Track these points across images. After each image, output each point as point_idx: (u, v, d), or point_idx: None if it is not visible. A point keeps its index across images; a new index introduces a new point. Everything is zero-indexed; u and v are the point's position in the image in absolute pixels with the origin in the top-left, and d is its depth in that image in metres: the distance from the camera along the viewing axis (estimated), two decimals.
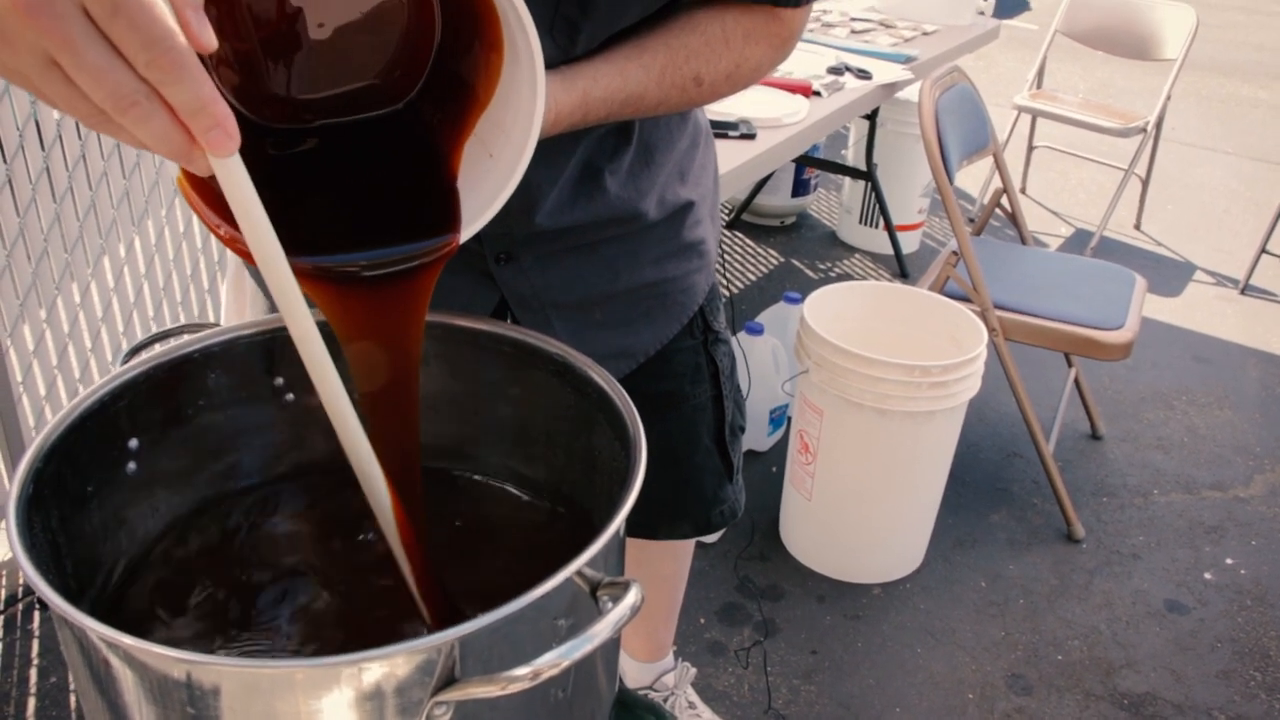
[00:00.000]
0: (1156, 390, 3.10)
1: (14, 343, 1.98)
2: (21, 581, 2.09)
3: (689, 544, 1.61)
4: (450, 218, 0.73)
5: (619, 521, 0.63)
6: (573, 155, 1.00)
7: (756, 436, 2.64)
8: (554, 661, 0.54)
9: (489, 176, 0.73)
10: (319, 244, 0.70)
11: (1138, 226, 4.24)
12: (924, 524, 2.29)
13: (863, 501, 2.18)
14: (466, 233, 0.73)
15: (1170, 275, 3.86)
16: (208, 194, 0.65)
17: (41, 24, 0.46)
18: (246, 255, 0.65)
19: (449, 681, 0.56)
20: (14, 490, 0.65)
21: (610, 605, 0.60)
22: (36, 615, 2.01)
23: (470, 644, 0.56)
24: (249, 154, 0.63)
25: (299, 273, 0.64)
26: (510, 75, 0.71)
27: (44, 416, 2.13)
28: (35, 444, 0.68)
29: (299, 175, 0.75)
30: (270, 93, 0.74)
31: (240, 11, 0.71)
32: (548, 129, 0.85)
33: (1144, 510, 2.56)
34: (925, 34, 3.23)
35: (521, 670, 0.54)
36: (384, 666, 0.55)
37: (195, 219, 2.35)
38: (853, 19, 3.31)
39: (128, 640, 0.55)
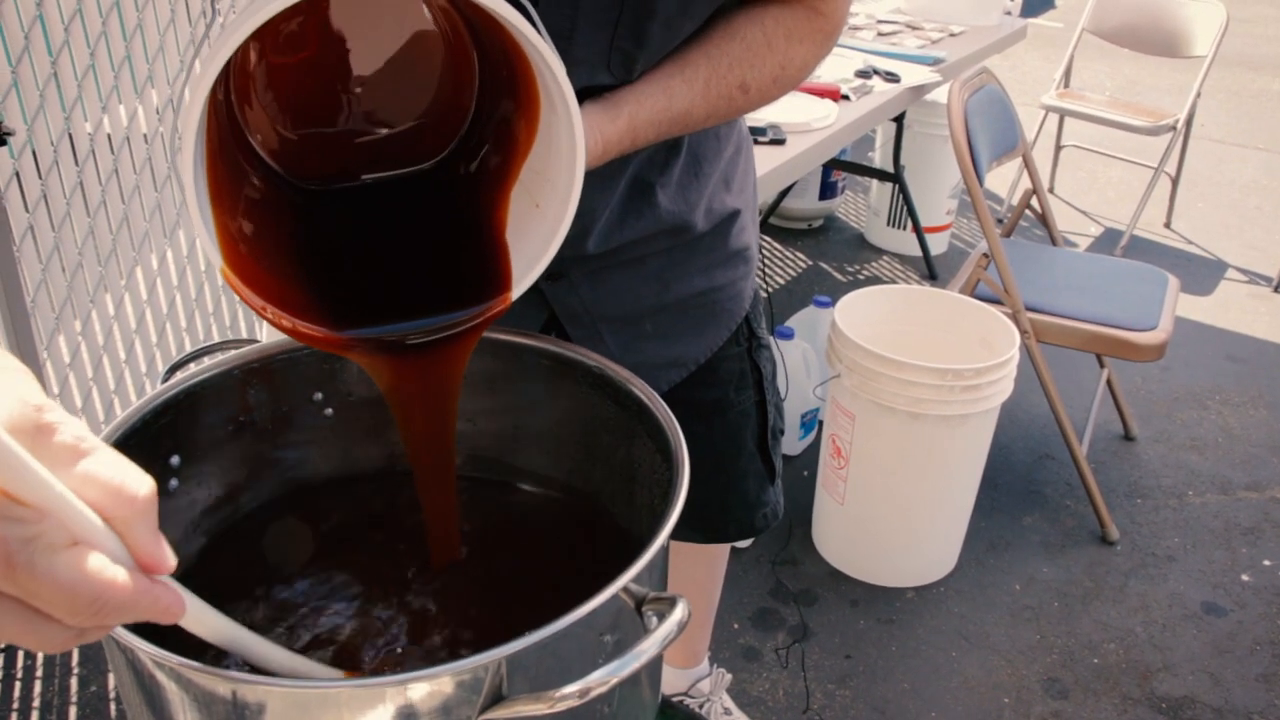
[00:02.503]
0: (1190, 390, 3.07)
1: (50, 355, 2.00)
2: None
3: (724, 551, 1.61)
4: (501, 276, 0.73)
5: (664, 536, 0.63)
6: (623, 174, 1.00)
7: (788, 441, 2.63)
8: (603, 679, 0.54)
9: (537, 227, 0.73)
10: (368, 314, 0.71)
11: (1168, 225, 4.20)
12: (957, 527, 2.27)
13: (895, 505, 2.17)
14: (518, 290, 0.73)
15: (1202, 274, 3.82)
16: (252, 278, 0.66)
17: None
18: (292, 333, 0.68)
19: (496, 699, 0.56)
20: None
21: (655, 620, 0.60)
22: None
23: (517, 662, 0.56)
24: (295, 220, 0.64)
25: (348, 347, 0.67)
26: (548, 124, 0.71)
27: None
28: None
29: (347, 242, 0.76)
30: (314, 147, 0.75)
31: (287, 70, 0.73)
32: (597, 160, 0.84)
33: (1179, 512, 2.54)
34: (952, 35, 3.21)
35: (570, 688, 0.54)
36: (431, 686, 0.55)
37: None
38: (879, 21, 3.29)
39: (176, 659, 0.56)
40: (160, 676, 0.59)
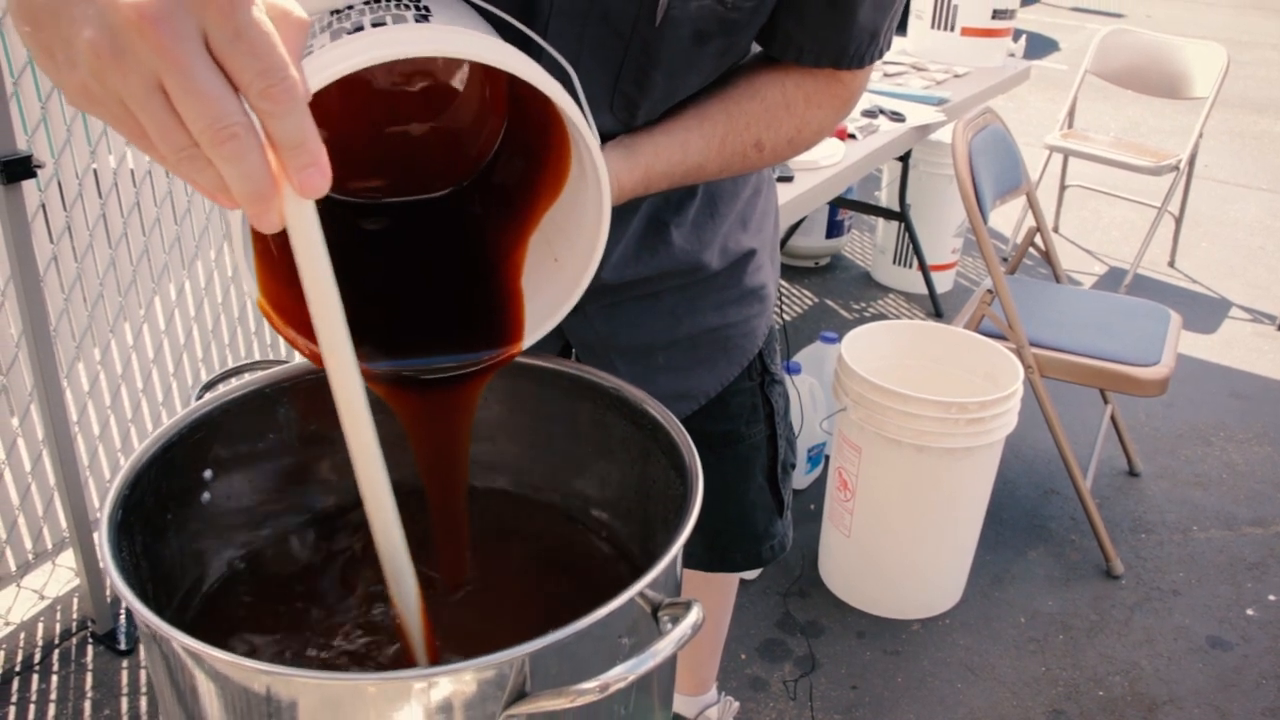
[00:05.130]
0: (1194, 427, 3.10)
1: (70, 383, 2.04)
2: (75, 616, 2.14)
3: (734, 580, 1.63)
4: (513, 323, 0.77)
5: (679, 544, 0.66)
6: (638, 212, 1.02)
7: (795, 474, 2.65)
8: (622, 675, 0.57)
9: (553, 281, 0.76)
10: (386, 346, 0.75)
11: (1172, 264, 4.24)
12: (962, 560, 2.29)
13: (901, 537, 2.19)
14: (527, 341, 0.76)
15: (1206, 312, 3.86)
16: (289, 313, 0.68)
17: (161, 41, 0.45)
18: (314, 359, 0.69)
19: (520, 696, 0.59)
20: (104, 515, 0.69)
21: (670, 625, 0.62)
22: (90, 649, 2.05)
23: (540, 659, 0.58)
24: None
25: (365, 377, 0.68)
26: (576, 189, 0.74)
27: (98, 456, 2.19)
28: (123, 472, 0.72)
29: (368, 277, 0.78)
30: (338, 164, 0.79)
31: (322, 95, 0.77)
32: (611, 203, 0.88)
33: (1183, 546, 2.55)
34: (957, 76, 3.27)
35: (590, 684, 0.57)
36: (459, 681, 0.58)
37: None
38: (885, 62, 3.35)
39: (213, 652, 0.58)
40: (191, 666, 0.61)
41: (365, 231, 0.82)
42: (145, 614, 0.60)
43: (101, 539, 0.66)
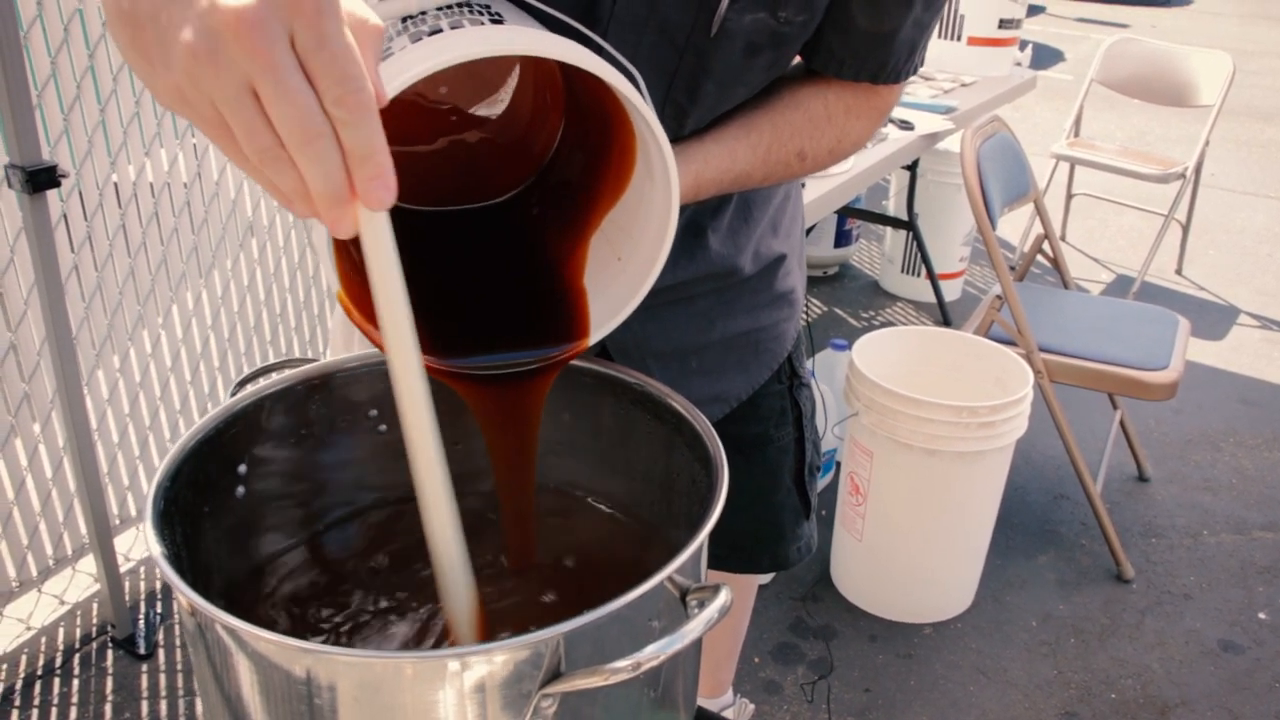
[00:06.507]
0: (1203, 433, 3.11)
1: (90, 390, 2.06)
2: (95, 621, 2.16)
3: (754, 584, 1.64)
4: (577, 319, 0.79)
5: (706, 531, 0.68)
6: (680, 217, 1.05)
7: None
8: (654, 654, 0.59)
9: (617, 280, 0.79)
10: (458, 342, 0.77)
11: (1179, 271, 4.26)
12: (974, 564, 2.30)
13: (913, 541, 2.20)
14: (594, 336, 0.78)
15: (1214, 319, 3.87)
16: (366, 307, 0.69)
17: (255, 45, 0.46)
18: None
19: (555, 675, 0.61)
20: (148, 505, 0.71)
21: (698, 609, 0.64)
22: (110, 654, 2.07)
23: (574, 640, 0.60)
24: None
25: (439, 373, 0.71)
26: (641, 189, 0.76)
27: (117, 463, 2.21)
28: (164, 464, 0.74)
29: (437, 276, 0.81)
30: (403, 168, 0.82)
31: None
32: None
33: (1194, 551, 2.56)
34: (964, 85, 3.29)
35: (623, 662, 0.59)
36: (495, 659, 0.59)
37: (259, 273, 2.43)
38: None
39: (254, 630, 0.60)
40: (233, 647, 0.63)
41: (436, 235, 0.85)
42: (189, 593, 0.61)
43: (146, 527, 0.68)
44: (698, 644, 0.76)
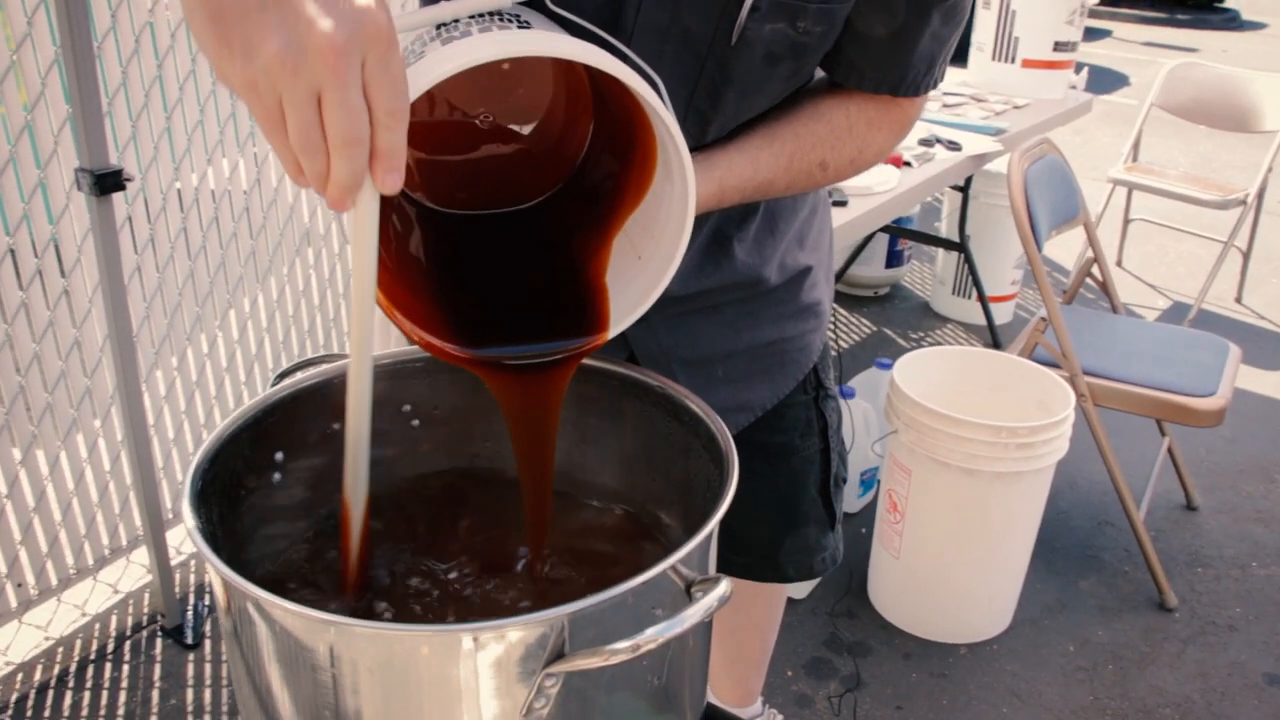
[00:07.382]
0: (1256, 463, 3.06)
1: (148, 388, 2.13)
2: (146, 610, 2.22)
3: (782, 594, 1.66)
4: (598, 314, 0.83)
5: (713, 523, 0.71)
6: (705, 224, 1.08)
7: (847, 498, 2.67)
8: (652, 637, 0.62)
9: (637, 277, 0.83)
10: (485, 334, 0.83)
11: (1239, 300, 4.19)
12: (1012, 586, 2.29)
13: (950, 561, 2.20)
14: (614, 330, 0.83)
15: (1273, 349, 3.81)
16: (407, 307, 0.77)
17: (338, 67, 0.55)
18: (439, 353, 0.80)
19: (559, 655, 0.64)
20: (186, 483, 0.75)
21: (701, 599, 0.67)
22: (159, 642, 2.14)
23: (579, 621, 0.63)
24: (425, 251, 0.75)
25: (467, 362, 0.78)
26: (661, 191, 0.80)
27: (171, 458, 2.28)
28: (204, 446, 0.78)
29: (467, 273, 0.87)
30: (438, 175, 0.87)
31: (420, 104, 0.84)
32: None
33: (1241, 582, 2.53)
34: (1016, 107, 3.28)
35: (623, 644, 0.61)
36: (502, 636, 0.62)
37: (314, 278, 2.50)
38: (944, 93, 3.38)
39: (277, 601, 0.64)
40: (250, 611, 0.67)
41: (470, 236, 0.89)
42: (218, 564, 0.65)
43: (183, 503, 0.73)
44: (705, 642, 0.79)
